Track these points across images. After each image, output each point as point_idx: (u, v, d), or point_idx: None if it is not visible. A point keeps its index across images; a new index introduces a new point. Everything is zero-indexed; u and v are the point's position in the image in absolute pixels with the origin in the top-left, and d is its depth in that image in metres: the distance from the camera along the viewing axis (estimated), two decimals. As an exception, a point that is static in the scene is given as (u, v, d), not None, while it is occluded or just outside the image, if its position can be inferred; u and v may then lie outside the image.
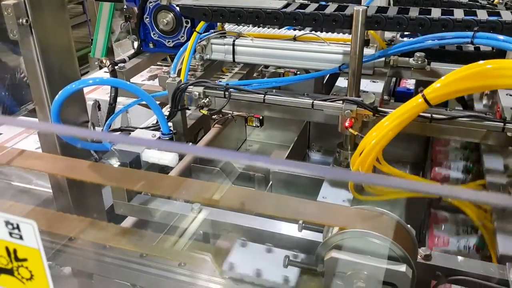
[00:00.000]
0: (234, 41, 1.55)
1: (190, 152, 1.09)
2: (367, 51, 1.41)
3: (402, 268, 0.85)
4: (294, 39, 1.53)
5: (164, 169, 1.34)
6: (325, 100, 1.28)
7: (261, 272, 1.00)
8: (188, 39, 1.66)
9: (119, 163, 1.22)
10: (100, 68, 2.60)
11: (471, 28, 1.19)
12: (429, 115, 1.17)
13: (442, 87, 1.02)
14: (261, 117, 2.12)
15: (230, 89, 1.34)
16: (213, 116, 2.16)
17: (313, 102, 1.29)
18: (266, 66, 2.22)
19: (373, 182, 0.49)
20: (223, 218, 1.20)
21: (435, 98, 1.04)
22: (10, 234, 0.57)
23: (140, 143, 1.05)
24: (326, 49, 1.46)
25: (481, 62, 0.98)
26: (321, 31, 1.66)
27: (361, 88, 1.32)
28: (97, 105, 2.45)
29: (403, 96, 2.40)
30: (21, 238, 0.57)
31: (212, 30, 1.60)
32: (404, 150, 2.09)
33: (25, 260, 0.59)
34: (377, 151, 1.10)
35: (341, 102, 1.24)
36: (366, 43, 1.43)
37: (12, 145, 1.78)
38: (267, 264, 0.99)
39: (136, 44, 1.84)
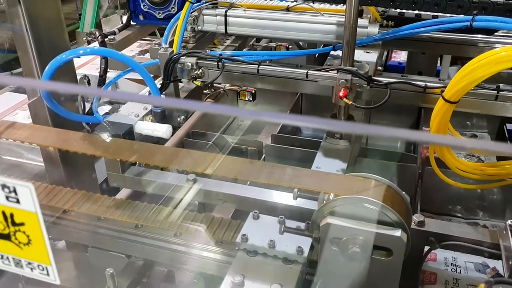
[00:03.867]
0: (226, 11, 1.53)
1: (197, 108, 1.07)
2: (361, 22, 1.39)
3: (397, 233, 0.86)
4: (287, 9, 1.51)
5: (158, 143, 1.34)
6: (319, 70, 1.27)
7: (274, 243, 1.01)
8: (178, 11, 1.63)
9: (112, 136, 1.21)
10: (89, 43, 2.55)
11: (463, 8, 1.19)
12: (423, 84, 1.17)
13: (457, 82, 1.04)
14: (253, 91, 2.11)
15: (223, 60, 1.33)
16: (205, 91, 2.15)
17: (307, 72, 1.28)
18: (258, 40, 2.20)
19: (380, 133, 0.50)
20: (218, 188, 1.20)
21: (453, 95, 1.05)
22: (7, 198, 0.57)
23: (145, 100, 1.03)
24: (320, 20, 1.45)
25: (495, 50, 1.00)
26: (313, 2, 1.64)
27: (355, 58, 1.31)
28: (86, 80, 2.42)
29: (394, 70, 2.40)
30: (18, 202, 0.57)
31: (204, 0, 1.58)
32: (395, 123, 2.10)
33: (22, 224, 0.59)
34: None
35: (335, 71, 1.23)
36: (359, 13, 1.41)
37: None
38: (279, 235, 1.00)
39: (125, 18, 1.81)
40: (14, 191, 0.56)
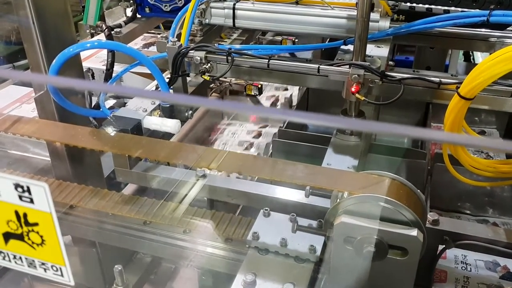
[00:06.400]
0: (234, 4, 1.50)
1: (205, 105, 1.05)
2: (373, 16, 1.37)
3: (414, 232, 0.84)
4: (297, 2, 1.48)
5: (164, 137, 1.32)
6: (331, 65, 1.25)
7: (286, 242, 0.99)
8: (185, 3, 1.61)
9: (119, 130, 1.19)
10: (92, 35, 2.52)
11: (478, 2, 1.16)
12: (437, 80, 1.15)
13: (473, 79, 1.02)
14: (259, 86, 2.09)
15: (233, 54, 1.30)
16: (211, 85, 2.13)
17: (319, 67, 1.26)
18: (264, 34, 2.17)
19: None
20: (226, 185, 1.19)
21: (469, 91, 1.03)
22: (20, 197, 0.55)
23: (154, 96, 1.01)
24: (330, 13, 1.42)
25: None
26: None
27: (366, 53, 1.29)
28: (90, 73, 2.39)
29: (402, 65, 2.37)
30: (31, 201, 0.55)
31: (212, -7, 1.55)
32: (403, 118, 2.08)
33: (36, 224, 0.57)
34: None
35: (347, 67, 1.21)
36: (371, 7, 1.39)
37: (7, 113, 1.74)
38: (291, 233, 0.98)
39: (128, 11, 1.79)
40: (28, 190, 0.54)
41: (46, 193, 0.54)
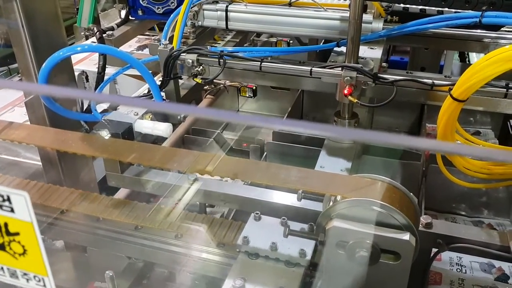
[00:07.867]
0: (227, 6, 1.49)
1: (194, 113, 1.04)
2: (366, 17, 1.36)
3: (406, 236, 0.84)
4: (290, 4, 1.47)
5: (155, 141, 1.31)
6: (323, 67, 1.24)
7: (276, 246, 0.98)
8: (178, 5, 1.60)
9: (110, 134, 1.18)
10: (87, 38, 2.51)
11: (471, 3, 1.16)
12: (430, 81, 1.15)
13: (466, 80, 1.01)
14: (254, 88, 2.07)
15: (225, 56, 1.30)
16: (205, 87, 2.11)
17: (311, 69, 1.25)
18: (258, 35, 2.16)
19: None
20: (219, 189, 1.17)
21: (462, 93, 1.02)
22: (0, 206, 0.54)
23: (143, 105, 1.00)
24: (323, 15, 1.41)
25: (505, 47, 0.98)
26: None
27: (359, 54, 1.28)
28: (84, 76, 2.38)
29: (396, 66, 2.36)
30: (12, 211, 0.54)
31: (204, -5, 1.54)
32: (398, 119, 2.07)
33: (17, 234, 0.56)
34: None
35: (340, 69, 1.20)
36: (364, 8, 1.38)
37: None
38: (281, 237, 0.97)
39: (123, 13, 1.78)
40: (8, 199, 0.53)
41: (26, 202, 0.53)
